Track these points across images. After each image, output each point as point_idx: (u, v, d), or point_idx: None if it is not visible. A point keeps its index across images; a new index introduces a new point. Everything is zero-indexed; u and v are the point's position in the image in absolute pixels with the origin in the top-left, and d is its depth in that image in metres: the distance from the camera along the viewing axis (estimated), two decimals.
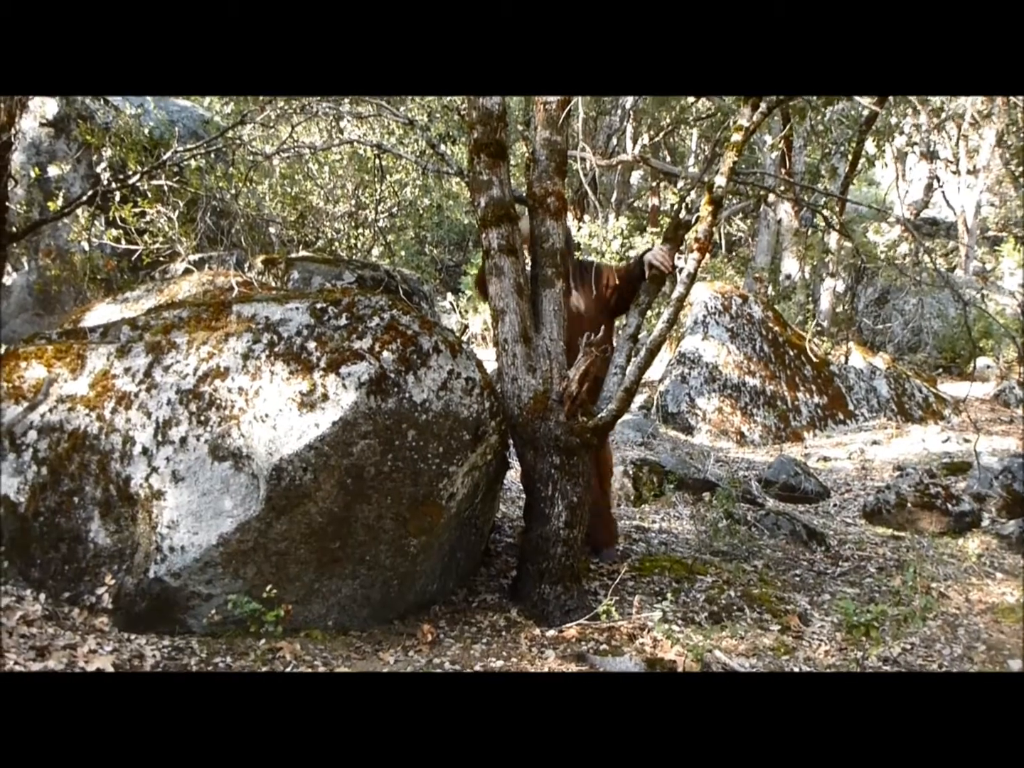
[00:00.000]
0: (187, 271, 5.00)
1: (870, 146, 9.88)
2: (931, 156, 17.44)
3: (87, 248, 5.95)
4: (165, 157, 5.09)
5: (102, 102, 7.88)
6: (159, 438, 2.76)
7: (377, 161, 5.61)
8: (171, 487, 2.70)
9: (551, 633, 2.96)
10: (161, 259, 5.52)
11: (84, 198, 4.98)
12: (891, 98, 9.84)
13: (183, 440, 2.73)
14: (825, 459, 6.99)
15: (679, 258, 3.48)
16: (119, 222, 5.33)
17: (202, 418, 2.74)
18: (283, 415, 2.66)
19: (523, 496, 3.50)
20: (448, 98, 6.39)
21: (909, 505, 5.13)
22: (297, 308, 2.91)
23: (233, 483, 2.68)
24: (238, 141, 5.49)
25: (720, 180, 3.05)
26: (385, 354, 2.76)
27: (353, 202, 6.77)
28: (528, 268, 3.35)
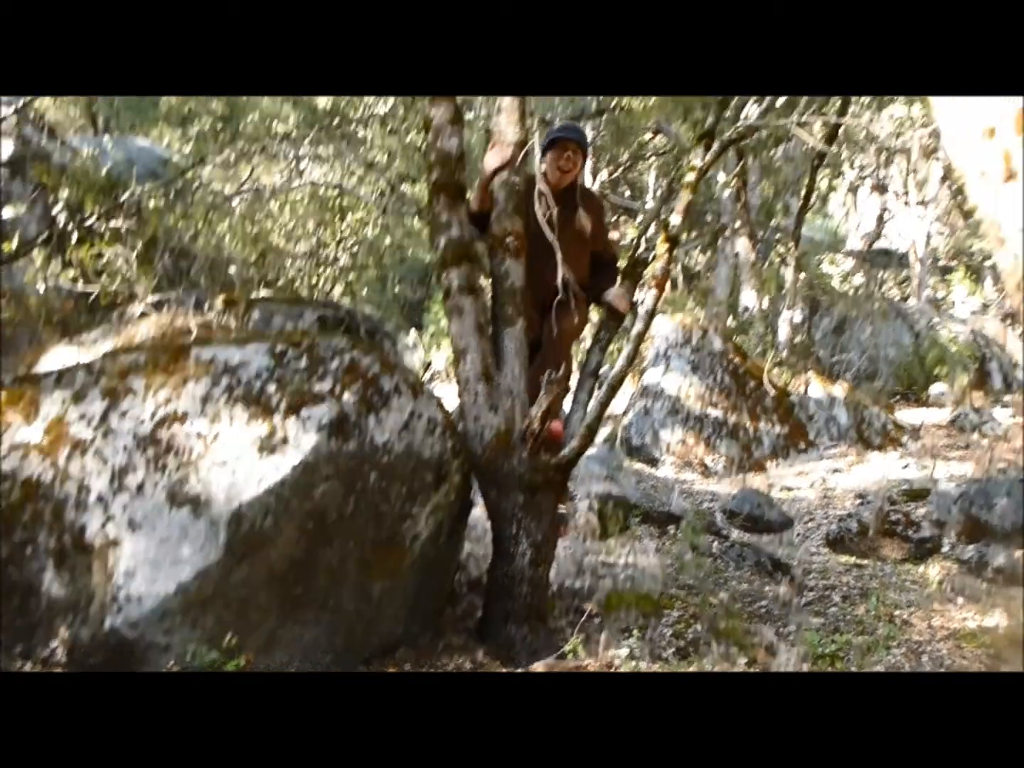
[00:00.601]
0: (144, 313, 4.96)
1: (822, 181, 10.10)
2: (882, 189, 17.85)
3: (43, 290, 5.87)
4: (123, 198, 5.06)
5: (59, 143, 7.83)
6: (115, 485, 2.71)
7: (338, 201, 5.63)
8: (128, 535, 2.65)
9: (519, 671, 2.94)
10: (119, 300, 5.46)
11: (40, 240, 4.93)
12: (840, 134, 10.11)
13: (140, 487, 2.69)
14: (788, 488, 7.05)
15: (638, 294, 3.53)
16: (75, 263, 5.27)
17: (159, 464, 2.70)
18: (242, 460, 2.63)
19: (489, 534, 3.49)
20: (408, 138, 6.45)
21: (871, 533, 5.18)
22: (257, 350, 2.89)
23: (192, 530, 2.63)
24: (197, 182, 5.48)
25: (675, 219, 3.10)
26: (346, 396, 2.74)
27: (314, 240, 6.77)
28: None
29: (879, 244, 20.04)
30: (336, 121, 6.54)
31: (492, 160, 3.37)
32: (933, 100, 0.65)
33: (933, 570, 4.63)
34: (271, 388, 2.76)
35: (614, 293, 3.49)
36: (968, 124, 0.61)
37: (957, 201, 17.18)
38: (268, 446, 2.65)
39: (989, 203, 0.62)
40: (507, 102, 3.36)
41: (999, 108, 0.55)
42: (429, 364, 10.29)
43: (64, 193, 5.75)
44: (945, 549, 5.08)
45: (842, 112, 8.96)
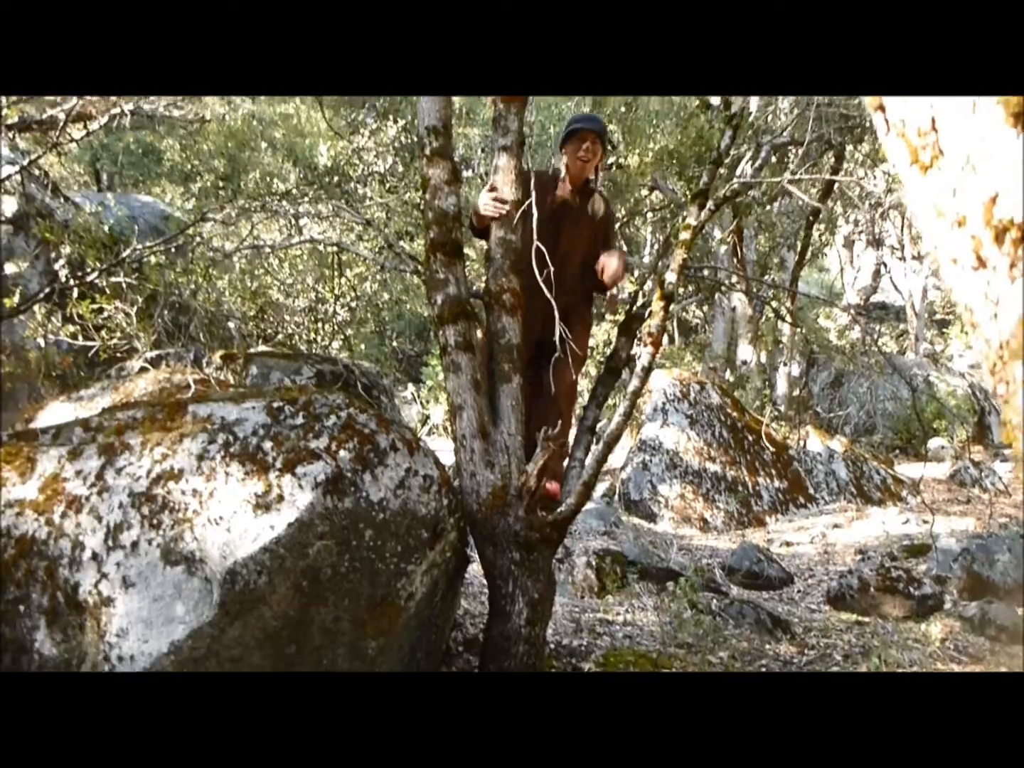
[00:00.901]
0: (143, 368, 4.97)
1: (818, 236, 10.22)
2: (877, 243, 18.05)
3: (43, 345, 5.91)
4: (124, 254, 5.11)
5: (62, 199, 7.94)
6: (110, 543, 2.70)
7: (336, 257, 5.69)
8: (121, 593, 2.63)
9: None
10: (118, 355, 5.48)
11: (41, 295, 4.97)
12: (835, 190, 10.25)
13: (134, 544, 2.67)
14: (788, 544, 7.01)
15: (635, 349, 3.55)
16: (76, 318, 5.31)
17: (154, 521, 2.69)
18: (237, 517, 2.62)
19: (485, 591, 3.46)
20: (406, 195, 6.52)
21: (872, 589, 5.14)
22: (253, 407, 2.90)
23: (185, 588, 2.61)
24: (198, 239, 5.54)
25: (671, 276, 3.13)
26: (342, 453, 2.74)
27: (313, 296, 6.83)
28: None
29: (876, 298, 20.21)
30: (336, 179, 6.65)
31: (485, 202, 3.40)
32: (906, 185, 0.67)
33: (935, 628, 4.58)
34: (267, 445, 2.76)
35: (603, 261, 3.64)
36: (939, 212, 0.62)
37: None
38: (263, 503, 2.64)
39: (961, 289, 0.63)
40: (504, 161, 3.41)
41: (969, 197, 0.56)
42: (427, 418, 10.29)
43: (66, 249, 5.81)
44: (947, 606, 5.03)
45: (836, 169, 9.10)
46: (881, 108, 0.69)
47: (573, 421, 3.95)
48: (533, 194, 3.31)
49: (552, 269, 3.23)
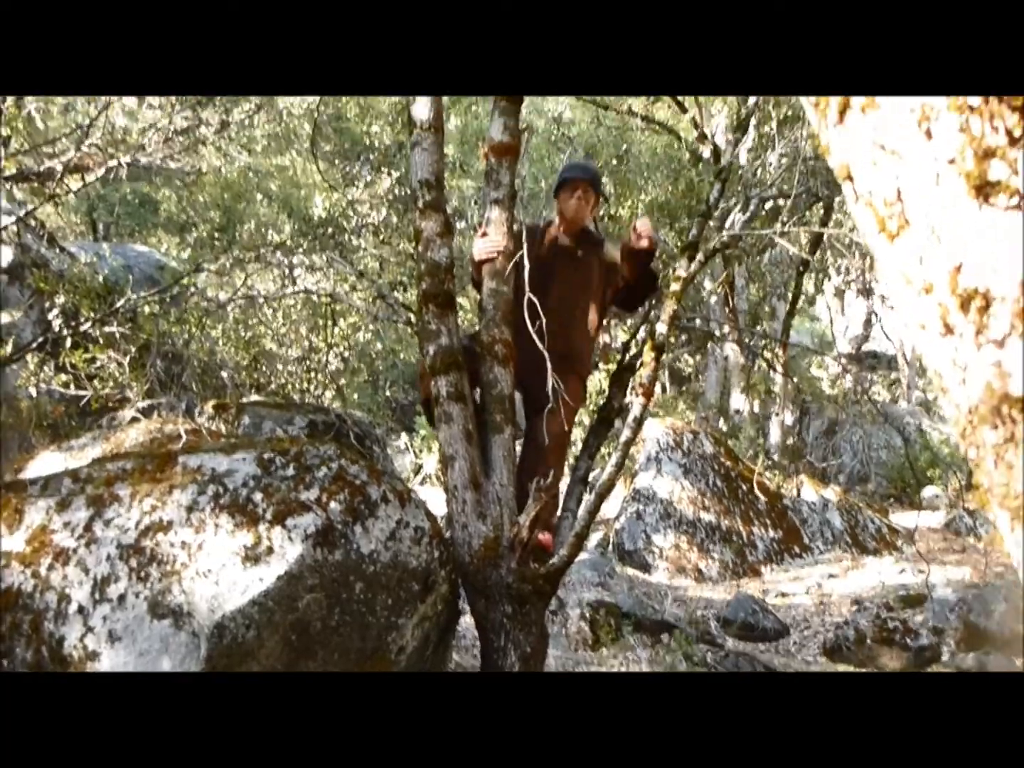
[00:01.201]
0: (135, 418, 4.97)
1: (809, 286, 10.31)
2: (867, 292, 18.20)
3: (35, 394, 5.90)
4: (118, 304, 5.13)
5: (58, 250, 7.99)
6: (96, 596, 2.67)
7: (330, 307, 5.72)
8: (107, 648, 2.59)
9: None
10: (110, 405, 5.48)
11: (35, 344, 4.98)
12: (824, 240, 10.37)
13: (121, 598, 2.64)
14: (783, 594, 6.95)
15: (627, 397, 3.55)
16: (69, 367, 5.31)
17: (142, 574, 2.67)
18: (226, 569, 2.60)
19: (477, 644, 3.42)
20: (400, 245, 6.57)
21: (868, 641, 5.10)
22: (244, 458, 2.89)
23: (172, 642, 2.58)
24: (193, 289, 5.57)
25: (661, 327, 3.15)
26: (332, 505, 2.73)
27: (306, 345, 6.85)
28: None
29: (867, 346, 20.32)
30: (330, 230, 6.72)
31: (480, 247, 3.43)
32: (875, 253, 0.68)
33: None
34: (257, 496, 2.75)
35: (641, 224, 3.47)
36: (907, 279, 0.63)
37: None
38: (253, 556, 2.62)
39: (930, 355, 0.65)
40: (496, 214, 3.46)
41: (935, 265, 0.58)
42: (420, 467, 10.26)
43: (60, 299, 5.83)
44: (944, 658, 4.99)
45: (824, 221, 9.22)
46: (849, 178, 0.71)
47: (565, 471, 3.94)
48: (524, 246, 3.34)
49: (543, 320, 3.25)
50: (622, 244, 3.61)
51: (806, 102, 0.77)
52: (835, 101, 0.67)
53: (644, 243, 3.43)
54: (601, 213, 9.02)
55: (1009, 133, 0.53)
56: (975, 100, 0.54)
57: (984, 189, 0.54)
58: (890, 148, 0.62)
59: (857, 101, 0.65)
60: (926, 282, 0.60)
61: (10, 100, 5.03)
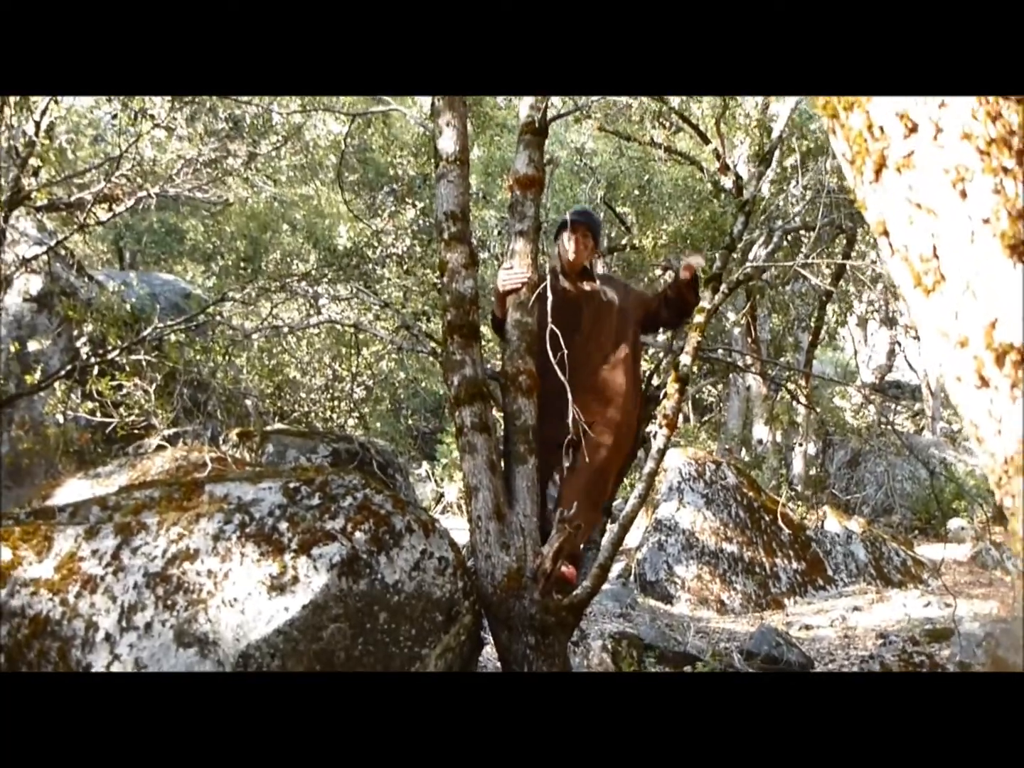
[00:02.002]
0: (160, 446, 5.01)
1: (831, 316, 10.29)
2: (890, 322, 18.11)
3: (62, 421, 5.97)
4: (145, 333, 5.20)
5: (86, 278, 8.11)
6: (123, 624, 2.69)
7: (354, 336, 5.77)
8: None
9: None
10: (136, 432, 5.53)
11: (62, 372, 5.05)
12: (847, 271, 10.36)
13: (148, 626, 2.66)
14: (807, 627, 6.87)
15: (650, 427, 3.56)
16: (96, 395, 5.37)
17: (168, 602, 2.69)
18: (252, 599, 2.62)
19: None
20: (424, 275, 6.62)
21: None
22: (270, 487, 2.91)
23: (198, 670, 2.59)
24: (219, 318, 5.63)
25: (685, 359, 3.16)
26: (357, 534, 2.75)
27: (329, 374, 6.90)
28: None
29: (891, 377, 20.18)
30: (354, 260, 6.79)
31: (504, 278, 3.47)
32: (910, 305, 0.69)
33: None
34: (283, 526, 2.77)
35: (693, 259, 3.66)
36: (942, 333, 0.65)
37: None
38: (278, 585, 2.63)
39: (966, 406, 0.66)
40: (520, 245, 3.49)
41: (970, 320, 0.59)
42: (441, 495, 10.27)
43: (88, 327, 5.91)
44: None
45: (847, 253, 9.21)
46: (885, 233, 0.72)
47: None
48: (548, 278, 3.38)
49: (565, 351, 3.27)
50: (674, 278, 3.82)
51: (841, 158, 0.79)
52: (871, 160, 0.68)
53: (686, 274, 3.63)
54: (624, 242, 9.07)
55: None
56: (1009, 162, 0.55)
57: (1018, 248, 0.55)
58: (926, 206, 0.64)
59: (892, 160, 0.66)
60: (962, 336, 0.61)
61: (42, 131, 5.14)
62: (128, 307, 6.44)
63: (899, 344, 19.19)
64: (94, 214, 6.13)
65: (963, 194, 0.61)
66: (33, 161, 5.30)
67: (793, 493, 10.21)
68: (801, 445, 10.41)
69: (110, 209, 6.98)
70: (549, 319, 3.23)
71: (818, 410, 7.21)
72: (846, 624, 6.92)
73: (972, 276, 0.60)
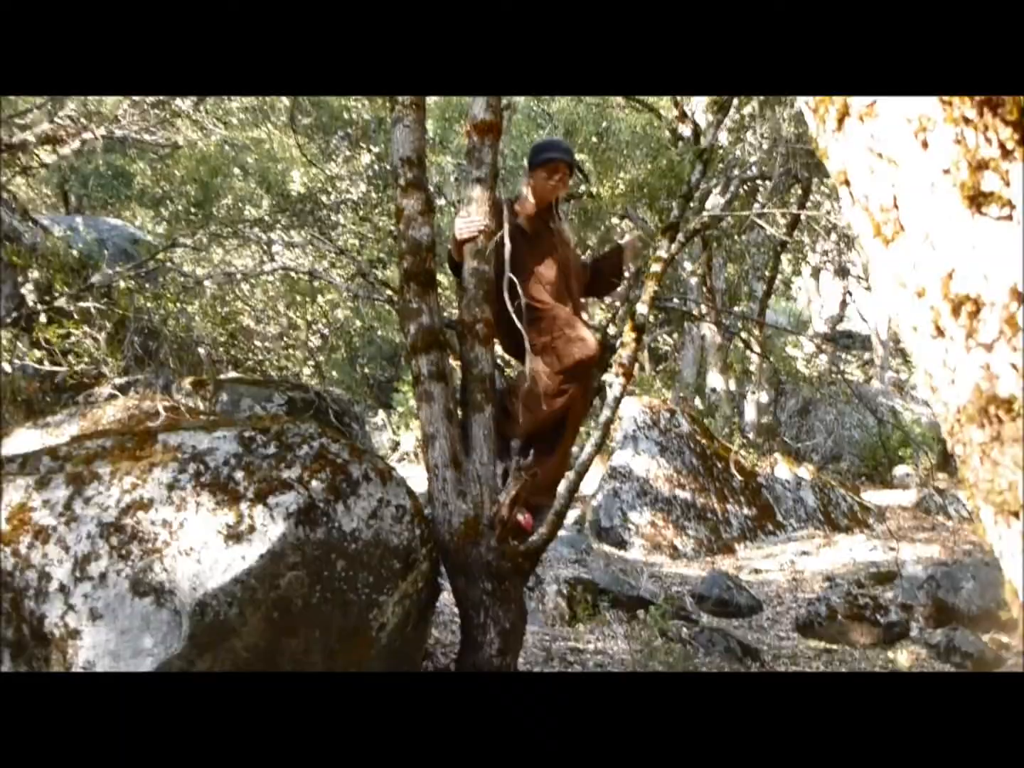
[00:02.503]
0: (112, 395, 4.93)
1: (786, 266, 10.37)
2: (843, 272, 18.32)
3: (9, 370, 5.83)
4: (93, 279, 5.08)
5: (30, 223, 7.87)
6: (77, 574, 2.66)
7: (309, 284, 5.69)
8: (88, 625, 2.59)
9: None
10: (86, 381, 5.43)
11: (8, 319, 4.92)
12: (802, 221, 10.43)
13: (103, 576, 2.64)
14: (756, 571, 7.05)
15: (606, 376, 3.58)
16: (43, 343, 5.25)
17: (123, 552, 2.66)
18: (208, 548, 2.60)
19: (456, 620, 3.46)
20: (380, 222, 6.53)
21: (840, 617, 5.18)
22: (225, 436, 2.88)
23: (154, 620, 2.58)
24: (169, 264, 5.51)
25: (642, 308, 3.17)
26: (314, 483, 2.74)
27: (284, 322, 6.81)
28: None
29: (842, 327, 20.48)
30: (309, 206, 6.67)
31: (461, 226, 3.42)
32: (869, 255, 0.70)
33: (902, 655, 4.63)
34: (239, 475, 2.75)
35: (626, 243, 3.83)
36: (900, 282, 0.65)
37: None
38: (234, 534, 2.62)
39: (921, 355, 0.67)
40: (477, 192, 3.45)
41: (928, 270, 0.60)
42: (398, 444, 10.26)
43: (34, 273, 5.75)
44: (913, 634, 5.09)
45: (803, 203, 9.26)
46: (847, 183, 0.73)
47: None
48: (506, 225, 3.35)
49: (523, 300, 3.26)
50: (618, 247, 3.94)
51: (805, 107, 0.79)
52: (834, 108, 0.69)
53: (632, 268, 3.81)
54: (581, 190, 9.01)
55: (1002, 145, 0.54)
56: (970, 112, 0.56)
57: (977, 199, 0.56)
58: (887, 156, 0.64)
59: (855, 109, 0.67)
60: (919, 286, 0.62)
61: None
62: (75, 253, 6.27)
63: (850, 294, 19.44)
64: (37, 156, 5.93)
65: (924, 144, 0.61)
66: None
67: (745, 441, 10.38)
68: (754, 393, 10.56)
69: (54, 151, 6.75)
70: (507, 266, 3.22)
71: (771, 359, 7.30)
72: (794, 568, 7.11)
73: (931, 227, 0.60)
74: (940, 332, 0.61)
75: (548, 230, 3.78)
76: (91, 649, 2.57)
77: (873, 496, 10.07)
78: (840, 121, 0.69)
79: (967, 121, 0.56)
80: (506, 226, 3.36)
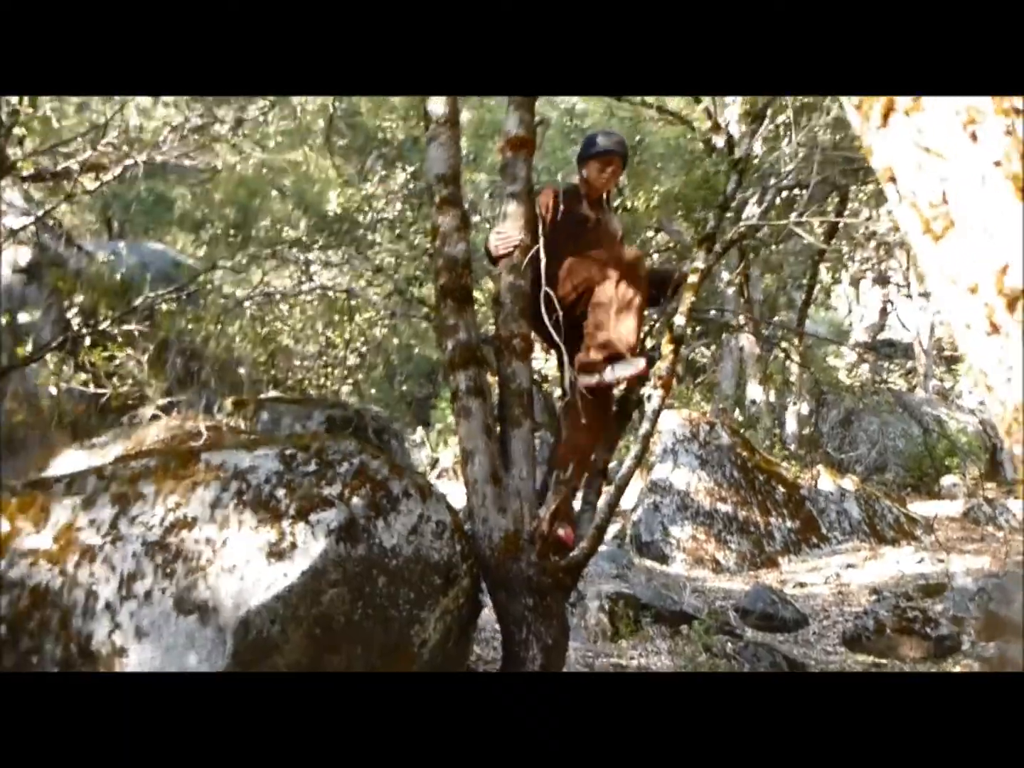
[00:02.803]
0: (155, 416, 5.00)
1: (824, 275, 10.26)
2: (883, 281, 18.09)
3: (55, 393, 5.94)
4: (136, 303, 5.16)
5: (75, 249, 8.03)
6: (123, 592, 2.69)
7: (346, 303, 5.74)
8: (134, 643, 2.62)
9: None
10: (130, 402, 5.51)
11: (54, 343, 5.02)
12: (840, 229, 10.32)
13: (148, 594, 2.67)
14: (801, 585, 6.93)
15: (645, 389, 3.55)
16: (88, 366, 5.34)
17: (168, 570, 2.69)
18: (251, 565, 2.62)
19: (498, 637, 3.44)
20: (416, 240, 6.57)
21: (888, 631, 5.08)
22: (266, 455, 2.91)
23: (198, 637, 2.60)
24: (209, 286, 5.59)
25: (679, 320, 3.15)
26: (355, 500, 2.75)
27: (323, 341, 6.87)
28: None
29: (883, 335, 20.19)
30: (345, 226, 6.74)
31: (497, 242, 3.42)
32: (918, 253, 0.68)
33: (955, 670, 4.52)
34: (280, 492, 2.77)
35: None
36: (951, 279, 0.64)
37: None
38: (276, 551, 2.64)
39: (975, 353, 0.65)
40: (512, 208, 3.46)
41: (981, 266, 0.58)
42: (436, 461, 10.28)
43: (79, 298, 5.86)
44: (965, 647, 4.97)
45: (840, 211, 9.17)
46: (892, 179, 0.71)
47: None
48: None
49: (559, 313, 3.26)
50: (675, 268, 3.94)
51: (848, 104, 0.78)
52: (879, 104, 0.67)
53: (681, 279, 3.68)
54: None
55: None
56: (1020, 103, 0.54)
57: None
58: (935, 150, 0.62)
59: (901, 104, 0.65)
60: (972, 282, 0.61)
61: (26, 100, 5.06)
62: (118, 277, 6.39)
63: (891, 303, 19.17)
64: (81, 183, 6.06)
65: (973, 136, 0.60)
66: (18, 130, 5.23)
67: (787, 452, 10.25)
68: (795, 404, 10.43)
69: (97, 178, 6.89)
70: (543, 279, 3.22)
71: (811, 369, 7.21)
72: (840, 581, 6.98)
73: (983, 221, 0.59)
74: (995, 328, 0.59)
75: (597, 222, 3.78)
76: (137, 667, 2.59)
77: (919, 507, 9.87)
78: (885, 116, 0.68)
79: (1018, 112, 0.55)
80: (541, 240, 3.37)
